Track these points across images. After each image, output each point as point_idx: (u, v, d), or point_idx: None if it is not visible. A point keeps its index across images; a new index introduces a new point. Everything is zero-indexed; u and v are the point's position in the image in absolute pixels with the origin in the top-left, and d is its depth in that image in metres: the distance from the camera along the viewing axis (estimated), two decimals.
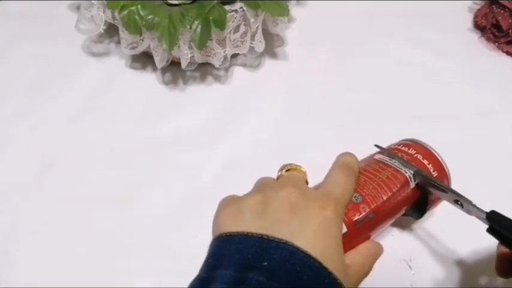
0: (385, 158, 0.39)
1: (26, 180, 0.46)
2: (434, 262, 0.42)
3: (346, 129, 0.51)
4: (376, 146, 0.41)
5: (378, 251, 0.36)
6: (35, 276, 0.41)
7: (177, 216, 0.44)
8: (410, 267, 0.42)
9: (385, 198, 0.36)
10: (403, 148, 0.40)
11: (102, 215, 0.44)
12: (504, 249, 0.35)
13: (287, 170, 0.37)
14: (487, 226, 0.34)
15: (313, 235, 0.31)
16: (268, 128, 0.51)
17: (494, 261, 0.36)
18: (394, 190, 0.37)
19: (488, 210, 0.34)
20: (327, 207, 0.32)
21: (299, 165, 0.38)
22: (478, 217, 0.35)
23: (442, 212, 0.45)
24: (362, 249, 0.35)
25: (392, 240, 0.43)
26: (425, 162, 0.39)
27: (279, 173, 0.37)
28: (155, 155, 0.48)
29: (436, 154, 0.40)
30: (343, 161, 0.37)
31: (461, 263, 0.42)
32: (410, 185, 0.38)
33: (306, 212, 0.32)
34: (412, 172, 0.38)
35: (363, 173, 0.37)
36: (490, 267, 0.42)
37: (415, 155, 0.40)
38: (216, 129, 0.51)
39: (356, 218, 0.35)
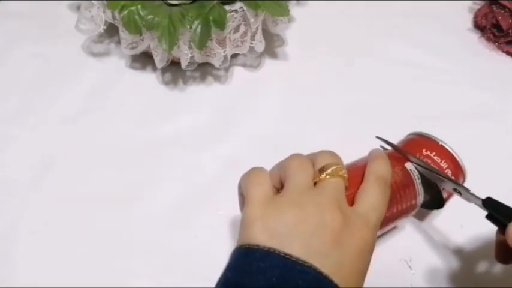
0: (415, 173, 0.38)
1: (26, 180, 0.46)
2: (434, 262, 0.42)
3: (346, 129, 0.51)
4: (378, 138, 0.41)
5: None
6: (35, 276, 0.41)
7: (177, 216, 0.44)
8: (410, 267, 0.42)
9: (396, 220, 0.38)
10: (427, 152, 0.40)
11: (102, 215, 0.44)
12: (502, 237, 0.35)
13: (328, 173, 0.33)
14: (485, 216, 0.35)
15: (350, 268, 0.30)
16: (268, 128, 0.51)
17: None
18: (406, 216, 0.38)
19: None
20: (366, 237, 0.31)
21: (339, 164, 0.33)
22: (476, 204, 0.35)
23: (442, 212, 0.45)
24: None
25: (392, 240, 0.43)
26: (443, 163, 0.39)
27: (319, 177, 0.33)
28: (155, 155, 0.48)
29: (454, 155, 0.40)
30: (381, 174, 0.34)
31: (461, 263, 0.42)
32: (416, 210, 0.39)
33: (346, 245, 0.30)
34: (422, 200, 0.38)
35: (393, 187, 0.36)
36: (490, 268, 0.42)
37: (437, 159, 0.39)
38: (216, 129, 0.51)
39: None
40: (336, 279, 0.28)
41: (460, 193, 0.37)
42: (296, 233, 0.30)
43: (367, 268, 0.32)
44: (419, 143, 0.41)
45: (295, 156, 0.34)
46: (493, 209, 0.35)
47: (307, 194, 0.32)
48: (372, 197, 0.33)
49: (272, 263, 0.29)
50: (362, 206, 0.32)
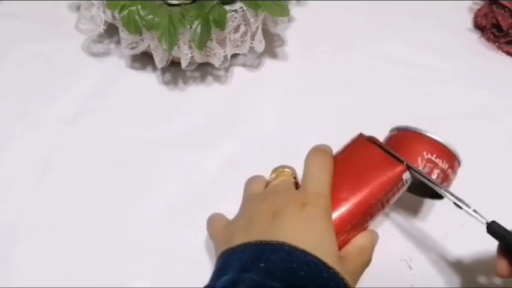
0: (409, 181, 0.37)
1: (26, 180, 0.46)
2: (434, 262, 0.43)
3: (347, 129, 0.51)
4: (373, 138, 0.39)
5: (373, 238, 0.37)
6: (35, 276, 0.41)
7: (177, 217, 0.44)
8: (410, 267, 0.42)
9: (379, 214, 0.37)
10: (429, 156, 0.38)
11: (102, 215, 0.44)
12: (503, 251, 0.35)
13: (276, 176, 0.38)
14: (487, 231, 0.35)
15: (296, 229, 0.32)
16: (268, 128, 0.51)
17: (494, 262, 0.36)
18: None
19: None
20: (306, 203, 0.34)
21: (287, 167, 0.39)
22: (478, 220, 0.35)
23: (442, 212, 0.45)
24: (355, 240, 0.36)
25: (392, 240, 0.43)
26: (444, 164, 0.38)
27: (268, 179, 0.38)
28: (155, 155, 0.48)
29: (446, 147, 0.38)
30: (315, 147, 0.38)
31: (461, 263, 0.42)
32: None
33: (286, 213, 0.33)
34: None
35: (384, 203, 0.37)
36: (490, 268, 0.42)
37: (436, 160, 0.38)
38: (216, 129, 0.51)
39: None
40: (291, 243, 0.31)
41: (460, 207, 0.36)
42: (243, 230, 0.34)
43: (324, 231, 0.33)
44: (416, 143, 0.38)
45: (251, 179, 0.40)
46: (496, 235, 0.34)
47: (253, 197, 0.37)
48: (307, 168, 0.37)
49: (249, 250, 0.32)
50: (301, 182, 0.36)
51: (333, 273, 0.30)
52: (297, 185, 0.38)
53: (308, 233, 0.32)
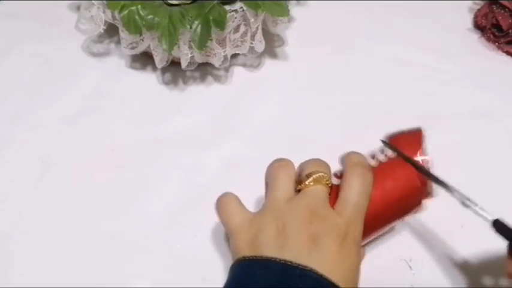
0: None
1: (25, 180, 0.46)
2: (434, 262, 0.42)
3: (347, 129, 0.51)
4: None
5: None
6: (35, 276, 0.41)
7: (177, 216, 0.44)
8: (410, 267, 0.42)
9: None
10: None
11: (101, 215, 0.44)
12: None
13: (312, 180, 0.35)
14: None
15: (333, 265, 0.31)
16: (268, 128, 0.51)
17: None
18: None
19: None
20: (345, 235, 0.33)
21: (324, 172, 0.35)
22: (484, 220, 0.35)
23: (443, 211, 0.45)
24: None
25: (392, 240, 0.43)
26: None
27: (302, 185, 0.35)
28: (155, 155, 0.48)
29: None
30: (358, 161, 0.36)
31: (461, 263, 0.42)
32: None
33: (326, 243, 0.32)
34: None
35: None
36: (491, 268, 0.42)
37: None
38: (216, 129, 0.51)
39: None
40: (326, 275, 0.30)
41: (467, 206, 0.36)
42: (276, 245, 0.32)
43: (355, 262, 0.33)
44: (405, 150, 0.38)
45: (278, 167, 0.37)
46: (502, 232, 0.34)
47: (284, 206, 0.34)
48: (347, 189, 0.35)
49: (273, 269, 0.31)
50: (338, 202, 0.35)
51: None
52: (330, 188, 0.36)
53: (342, 268, 0.32)
